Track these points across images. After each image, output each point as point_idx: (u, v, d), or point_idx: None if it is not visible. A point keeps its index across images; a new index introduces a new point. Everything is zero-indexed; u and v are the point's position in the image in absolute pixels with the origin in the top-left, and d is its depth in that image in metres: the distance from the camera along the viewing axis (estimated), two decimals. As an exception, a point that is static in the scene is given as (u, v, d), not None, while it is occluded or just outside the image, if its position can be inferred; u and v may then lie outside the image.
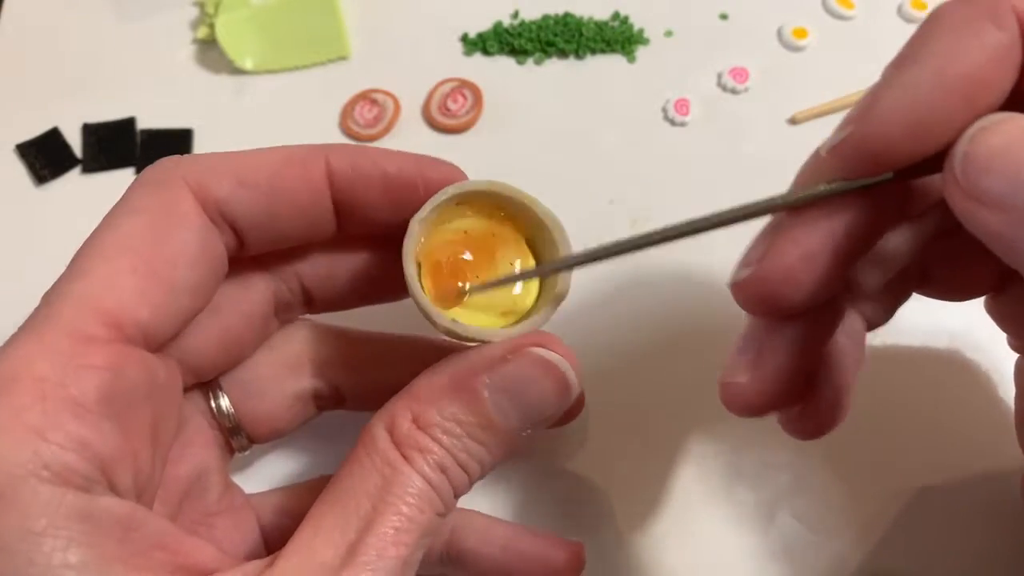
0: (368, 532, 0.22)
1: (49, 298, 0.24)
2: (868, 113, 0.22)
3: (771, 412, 0.26)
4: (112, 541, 0.21)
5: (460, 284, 0.27)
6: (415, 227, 0.26)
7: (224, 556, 0.24)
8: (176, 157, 0.26)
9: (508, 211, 0.28)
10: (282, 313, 0.30)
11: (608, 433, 0.37)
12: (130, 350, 0.23)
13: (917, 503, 0.35)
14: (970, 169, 0.20)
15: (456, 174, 0.28)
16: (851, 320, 0.29)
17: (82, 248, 0.24)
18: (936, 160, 0.22)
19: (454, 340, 0.26)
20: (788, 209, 0.24)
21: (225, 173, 0.26)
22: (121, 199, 0.25)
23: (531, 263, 0.28)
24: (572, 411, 0.35)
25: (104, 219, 0.25)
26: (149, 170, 0.26)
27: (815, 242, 0.23)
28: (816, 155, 0.25)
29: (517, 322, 0.27)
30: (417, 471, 0.24)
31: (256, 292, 0.29)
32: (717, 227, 0.24)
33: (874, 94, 0.22)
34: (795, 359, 0.25)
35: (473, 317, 0.27)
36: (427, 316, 0.26)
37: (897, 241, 0.28)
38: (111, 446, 0.22)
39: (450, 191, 0.26)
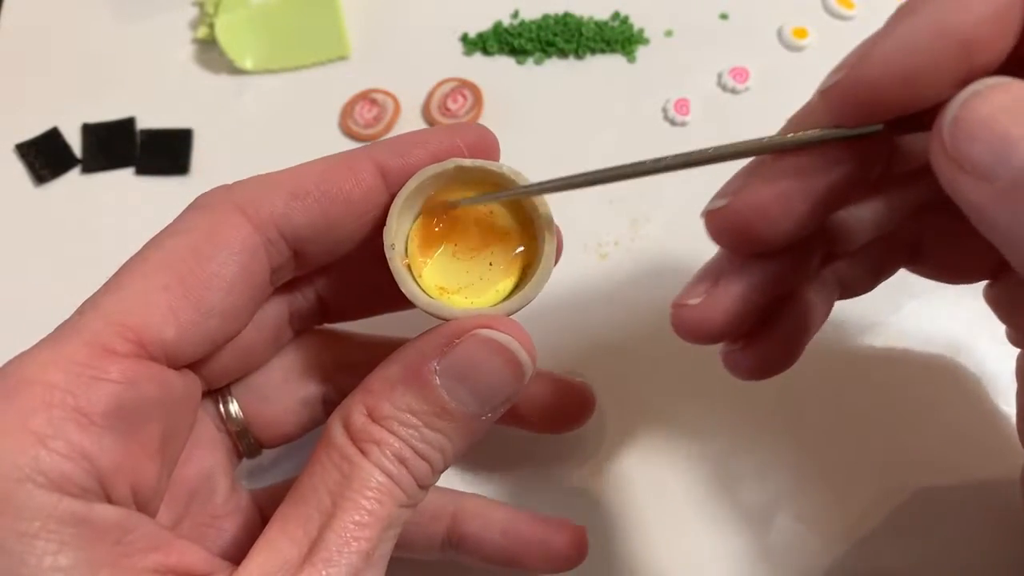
0: (328, 528, 0.23)
1: (82, 308, 0.24)
2: (863, 59, 0.22)
3: (716, 340, 0.26)
4: (104, 545, 0.21)
5: (449, 201, 0.27)
6: (393, 215, 0.26)
7: (215, 559, 0.24)
8: (229, 184, 0.26)
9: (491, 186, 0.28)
10: (297, 323, 0.30)
11: (609, 432, 0.37)
12: (148, 365, 0.24)
13: (916, 503, 0.35)
14: (958, 134, 0.20)
15: (485, 134, 0.28)
16: (824, 279, 0.29)
17: (124, 264, 0.25)
18: (927, 117, 0.21)
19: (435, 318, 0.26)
20: (774, 151, 0.24)
21: (276, 189, 0.26)
22: (172, 222, 0.26)
23: (514, 243, 0.28)
24: (582, 414, 0.35)
25: (151, 239, 0.25)
26: (202, 195, 0.26)
27: (794, 184, 0.23)
28: (810, 101, 0.25)
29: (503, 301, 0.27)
30: (375, 464, 0.23)
31: (271, 303, 0.29)
32: (706, 163, 0.24)
33: (871, 41, 0.22)
34: (752, 293, 0.25)
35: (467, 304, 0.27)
36: (403, 289, 0.26)
37: (879, 204, 0.27)
38: (111, 458, 0.22)
39: (417, 177, 0.26)
